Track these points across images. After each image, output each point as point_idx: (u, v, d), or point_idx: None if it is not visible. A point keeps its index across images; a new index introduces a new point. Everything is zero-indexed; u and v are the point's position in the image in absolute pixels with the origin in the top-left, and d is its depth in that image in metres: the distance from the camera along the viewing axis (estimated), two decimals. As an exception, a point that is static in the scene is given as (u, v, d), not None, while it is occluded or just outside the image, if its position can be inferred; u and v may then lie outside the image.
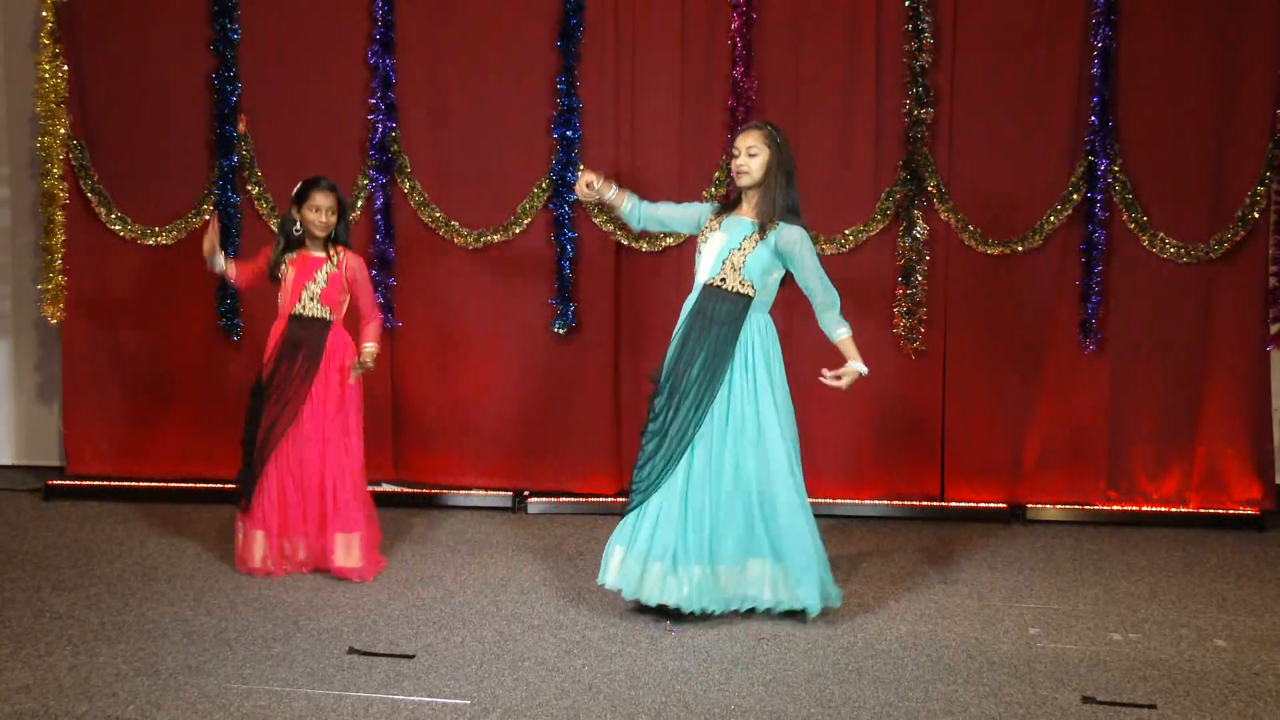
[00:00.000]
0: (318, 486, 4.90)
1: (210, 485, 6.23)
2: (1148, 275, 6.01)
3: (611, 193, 4.58)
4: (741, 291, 4.39)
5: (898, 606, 4.61)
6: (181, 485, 6.24)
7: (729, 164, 4.52)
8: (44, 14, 6.10)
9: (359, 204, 6.13)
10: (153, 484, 6.24)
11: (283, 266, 4.97)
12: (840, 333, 4.48)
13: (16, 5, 6.43)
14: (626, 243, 6.11)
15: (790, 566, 4.37)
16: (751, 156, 4.40)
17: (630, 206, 4.62)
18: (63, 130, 6.13)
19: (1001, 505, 6.05)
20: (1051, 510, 6.06)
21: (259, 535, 4.88)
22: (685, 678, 3.85)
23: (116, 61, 6.18)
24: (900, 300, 6.01)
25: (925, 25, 5.89)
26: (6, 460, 6.70)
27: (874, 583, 4.89)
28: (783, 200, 4.39)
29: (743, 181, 4.42)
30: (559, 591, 4.76)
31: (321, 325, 4.94)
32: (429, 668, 3.89)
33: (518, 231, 6.15)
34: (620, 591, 4.41)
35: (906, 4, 5.92)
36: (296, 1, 6.14)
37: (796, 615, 4.42)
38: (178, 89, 6.18)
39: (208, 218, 5.98)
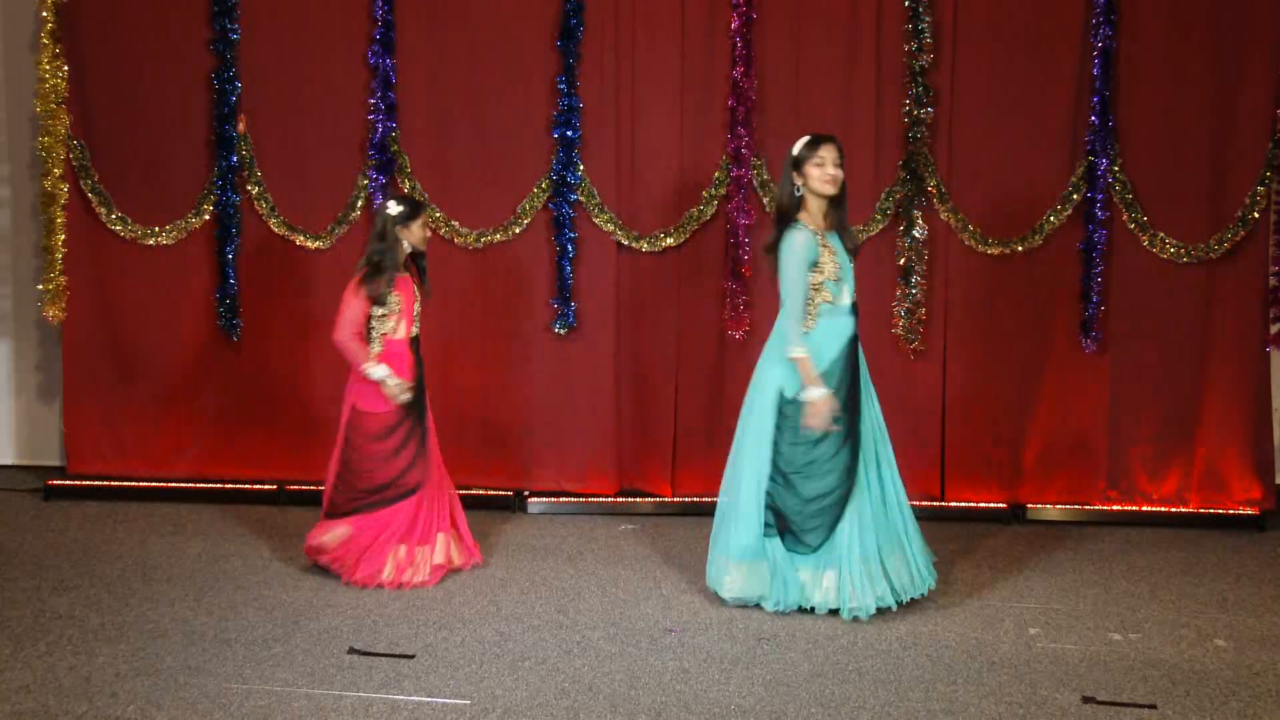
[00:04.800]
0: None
1: (210, 485, 6.23)
2: (1148, 275, 6.01)
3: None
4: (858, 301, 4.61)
5: (898, 606, 4.61)
6: (181, 485, 6.24)
7: (816, 172, 4.41)
8: (44, 14, 6.10)
9: (359, 204, 6.14)
10: (153, 484, 6.24)
11: (390, 293, 4.85)
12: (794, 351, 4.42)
13: (16, 5, 6.44)
14: (626, 243, 6.12)
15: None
16: (838, 168, 4.45)
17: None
18: (63, 130, 6.13)
19: (1001, 505, 6.05)
20: (1051, 510, 6.06)
21: (419, 549, 4.88)
22: (685, 678, 3.84)
23: (116, 61, 6.18)
24: (900, 300, 6.01)
25: (925, 25, 5.90)
26: (6, 460, 6.70)
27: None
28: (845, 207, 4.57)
29: (829, 190, 4.42)
30: (559, 591, 4.76)
31: (419, 343, 5.00)
32: (429, 668, 3.89)
33: (518, 231, 6.15)
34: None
35: (906, 4, 5.92)
36: (296, 1, 6.14)
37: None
38: (178, 89, 6.18)
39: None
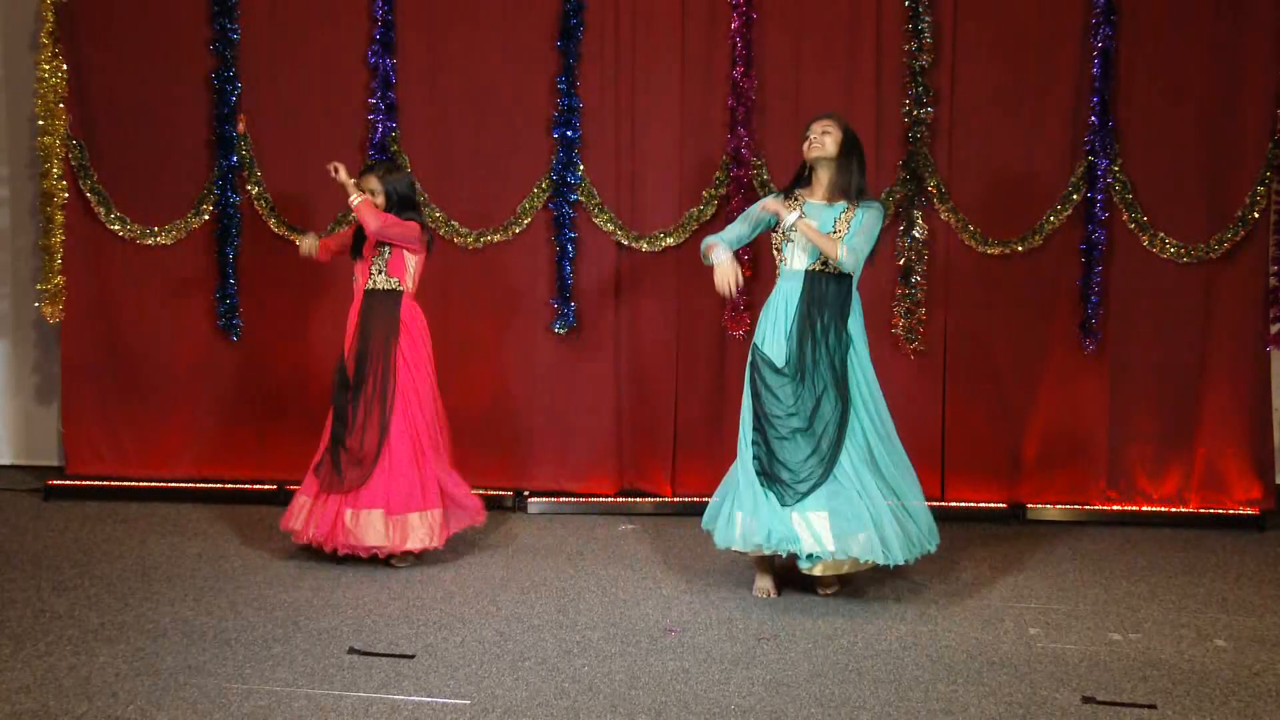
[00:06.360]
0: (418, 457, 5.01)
1: (210, 485, 6.23)
2: (1148, 275, 6.01)
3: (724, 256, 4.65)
4: (843, 273, 4.60)
5: (898, 606, 4.61)
6: (181, 485, 6.23)
7: (802, 145, 4.62)
8: (44, 14, 6.10)
9: (359, 204, 6.13)
10: (153, 484, 6.24)
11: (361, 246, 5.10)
12: (833, 238, 4.56)
13: (16, 5, 6.43)
14: (626, 243, 6.12)
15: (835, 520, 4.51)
16: (826, 134, 4.58)
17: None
18: (62, 130, 6.13)
19: (1001, 505, 6.05)
20: (1051, 510, 6.06)
21: (378, 513, 4.88)
22: (685, 678, 3.84)
23: (116, 61, 6.18)
24: (900, 300, 6.01)
25: (925, 25, 5.90)
26: (6, 460, 6.70)
27: (874, 583, 4.89)
28: (860, 179, 4.60)
29: (813, 153, 4.59)
30: (559, 591, 4.76)
31: (393, 298, 5.02)
32: (429, 668, 3.89)
33: (518, 231, 6.15)
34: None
35: (906, 4, 5.92)
36: (296, 1, 6.14)
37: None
38: (178, 89, 6.18)
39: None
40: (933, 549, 4.68)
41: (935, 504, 6.05)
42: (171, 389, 6.32)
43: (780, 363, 4.59)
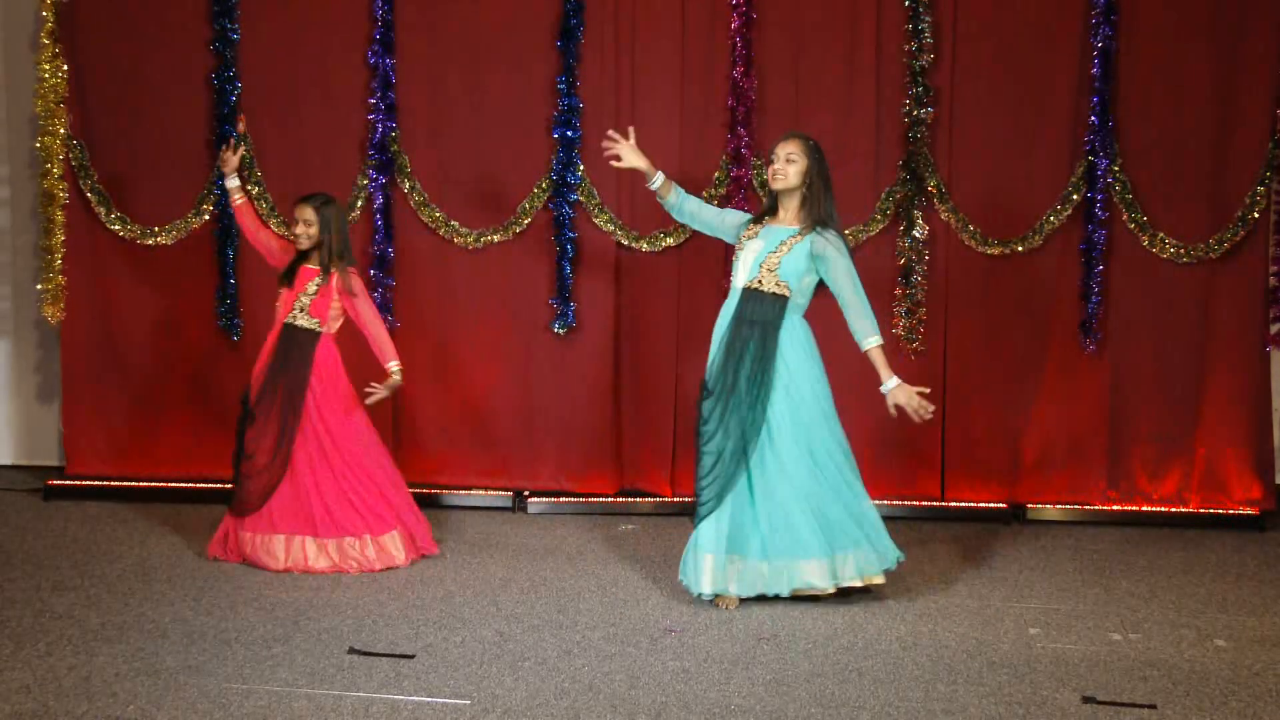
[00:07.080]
0: (329, 491, 5.01)
1: (210, 485, 6.22)
2: (1148, 275, 6.01)
3: (658, 181, 4.74)
4: (778, 293, 4.53)
5: (898, 606, 4.61)
6: (181, 485, 6.23)
7: (766, 169, 4.65)
8: (44, 14, 6.10)
9: (359, 204, 6.13)
10: (153, 484, 6.24)
11: (293, 274, 5.09)
12: (869, 341, 4.53)
13: (16, 5, 6.43)
14: (626, 243, 6.12)
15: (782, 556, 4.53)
16: (790, 163, 4.55)
17: (676, 199, 4.80)
18: (63, 130, 6.13)
19: (1001, 505, 6.06)
20: (1051, 510, 6.06)
21: (279, 539, 4.99)
22: (685, 678, 3.84)
23: (116, 61, 6.17)
24: (900, 300, 6.01)
25: (925, 25, 5.90)
26: (6, 460, 6.70)
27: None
28: (823, 208, 4.55)
29: (778, 185, 4.57)
30: (559, 591, 4.76)
31: (310, 336, 5.02)
32: (429, 668, 3.89)
33: (518, 231, 6.15)
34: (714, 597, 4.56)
35: (906, 4, 5.92)
36: (296, 1, 6.14)
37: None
38: (178, 89, 6.18)
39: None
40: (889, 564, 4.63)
41: (935, 504, 6.09)
42: (172, 389, 6.32)
43: (708, 379, 4.59)
